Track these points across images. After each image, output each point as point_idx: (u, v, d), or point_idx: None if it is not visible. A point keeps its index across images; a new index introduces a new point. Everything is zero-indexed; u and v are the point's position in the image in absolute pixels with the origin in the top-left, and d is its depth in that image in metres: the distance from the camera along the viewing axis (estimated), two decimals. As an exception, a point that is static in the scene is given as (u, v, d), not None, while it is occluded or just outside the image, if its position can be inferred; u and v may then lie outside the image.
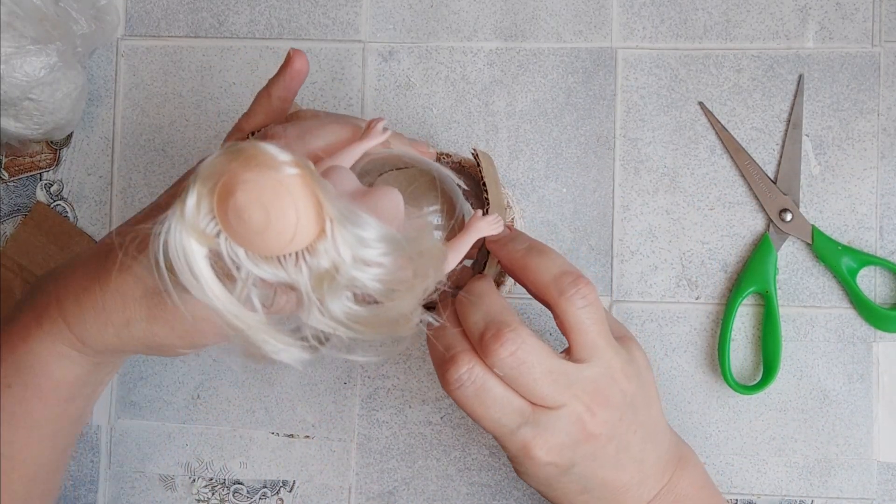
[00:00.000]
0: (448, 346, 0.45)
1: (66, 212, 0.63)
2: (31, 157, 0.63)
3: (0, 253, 0.62)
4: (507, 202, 0.57)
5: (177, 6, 0.63)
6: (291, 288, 0.35)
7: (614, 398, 0.46)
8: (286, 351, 0.36)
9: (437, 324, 0.42)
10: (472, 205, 0.50)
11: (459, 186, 0.49)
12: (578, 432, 0.45)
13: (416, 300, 0.38)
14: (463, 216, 0.47)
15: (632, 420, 0.47)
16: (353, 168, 0.43)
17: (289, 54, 0.49)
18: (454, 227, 0.45)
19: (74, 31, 0.58)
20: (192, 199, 0.33)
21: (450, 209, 0.45)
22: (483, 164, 0.48)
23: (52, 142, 0.63)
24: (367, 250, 0.34)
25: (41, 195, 0.63)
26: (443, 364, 0.45)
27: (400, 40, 0.62)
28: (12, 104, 0.56)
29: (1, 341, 0.46)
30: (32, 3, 0.55)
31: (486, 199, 0.48)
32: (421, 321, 0.39)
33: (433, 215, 0.43)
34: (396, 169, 0.46)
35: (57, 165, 0.63)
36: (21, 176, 0.63)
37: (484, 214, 0.45)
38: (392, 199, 0.41)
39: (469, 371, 0.44)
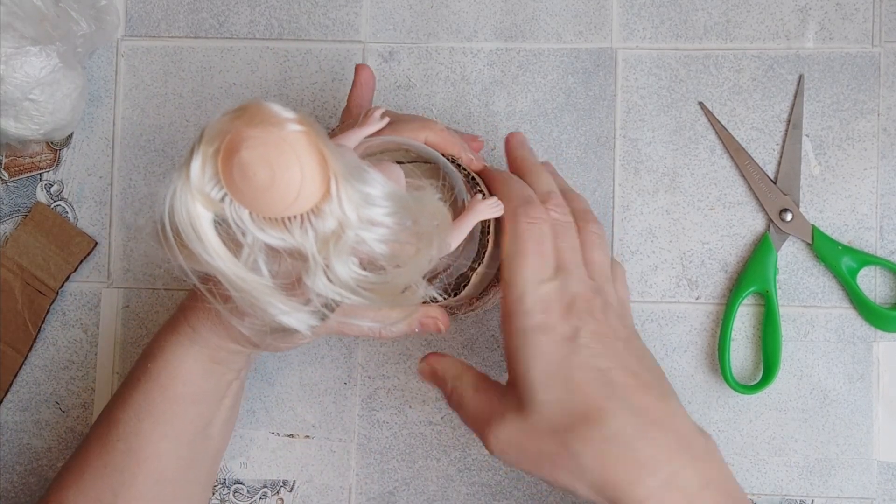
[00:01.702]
0: (513, 197, 0.47)
1: (66, 212, 0.63)
2: (31, 157, 0.63)
3: (0, 253, 0.62)
4: None
5: (177, 6, 0.63)
6: (298, 253, 0.34)
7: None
8: (293, 314, 0.36)
9: (441, 299, 0.43)
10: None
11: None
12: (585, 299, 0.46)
13: (422, 268, 0.37)
14: (463, 202, 0.47)
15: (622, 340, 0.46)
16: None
17: (356, 69, 0.54)
18: (455, 213, 0.45)
19: (74, 32, 0.58)
20: (196, 162, 0.33)
21: (449, 196, 0.45)
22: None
23: (52, 142, 0.63)
24: (373, 209, 0.34)
25: (41, 195, 0.63)
26: (522, 202, 0.46)
27: (400, 41, 0.62)
28: (12, 105, 0.56)
29: (148, 348, 0.51)
30: (32, 4, 0.55)
31: (480, 189, 0.48)
32: (426, 294, 0.39)
33: (435, 190, 0.42)
34: (396, 158, 0.46)
35: (57, 166, 0.63)
36: (21, 176, 0.63)
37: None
38: (393, 172, 0.41)
39: (543, 211, 0.46)
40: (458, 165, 0.49)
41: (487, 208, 0.45)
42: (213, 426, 0.52)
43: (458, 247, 0.44)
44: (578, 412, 0.42)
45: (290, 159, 0.32)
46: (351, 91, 0.54)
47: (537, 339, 0.43)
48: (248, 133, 0.32)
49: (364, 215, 0.34)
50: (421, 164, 0.48)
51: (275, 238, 0.34)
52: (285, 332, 0.37)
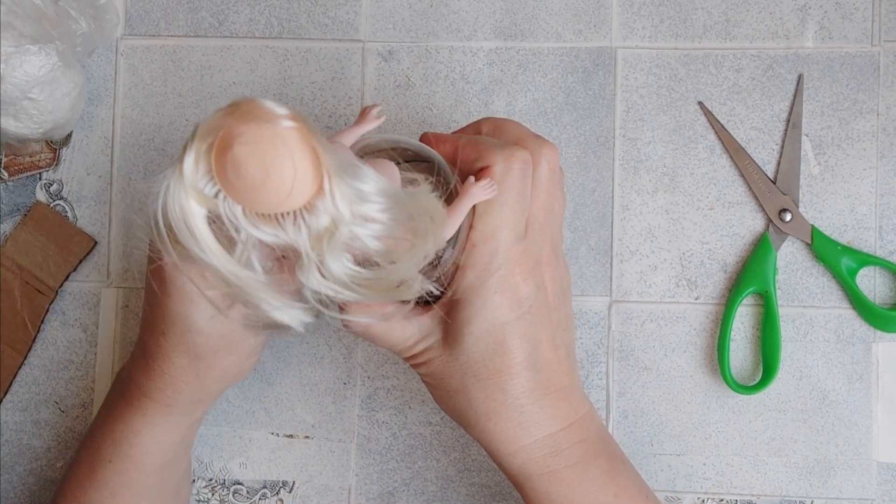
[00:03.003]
0: (494, 146, 0.46)
1: (66, 211, 0.63)
2: (30, 156, 0.63)
3: (0, 253, 0.62)
4: None
5: (176, 6, 0.63)
6: (292, 250, 0.34)
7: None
8: (286, 310, 0.36)
9: (437, 291, 0.43)
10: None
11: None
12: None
13: (417, 264, 0.37)
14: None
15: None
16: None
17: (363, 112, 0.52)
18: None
19: (74, 31, 0.58)
20: (190, 158, 0.33)
21: (444, 191, 0.44)
22: None
23: (51, 141, 0.63)
24: (367, 205, 0.34)
25: (41, 195, 0.63)
26: (506, 148, 0.45)
27: (400, 40, 0.62)
28: (12, 104, 0.56)
29: (100, 429, 0.52)
30: (32, 3, 0.55)
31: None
32: (422, 288, 0.39)
33: (429, 185, 0.42)
34: (392, 156, 0.46)
35: (56, 165, 0.63)
36: (21, 176, 0.63)
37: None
38: (387, 169, 0.40)
39: (528, 156, 0.46)
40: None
41: (481, 190, 0.44)
42: (184, 474, 0.56)
43: (453, 236, 0.44)
44: (492, 369, 0.45)
45: (283, 156, 0.32)
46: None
47: (492, 299, 0.44)
48: (241, 129, 0.32)
49: (357, 211, 0.34)
50: (418, 163, 0.47)
51: (268, 234, 0.34)
52: (278, 326, 0.37)
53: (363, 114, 0.45)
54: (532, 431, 0.46)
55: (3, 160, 0.63)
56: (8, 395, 0.62)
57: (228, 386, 0.53)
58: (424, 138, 0.48)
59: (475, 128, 0.49)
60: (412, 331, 0.46)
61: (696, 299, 0.60)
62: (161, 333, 0.48)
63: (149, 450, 0.51)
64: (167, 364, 0.49)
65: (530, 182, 0.45)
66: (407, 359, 0.48)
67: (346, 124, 0.62)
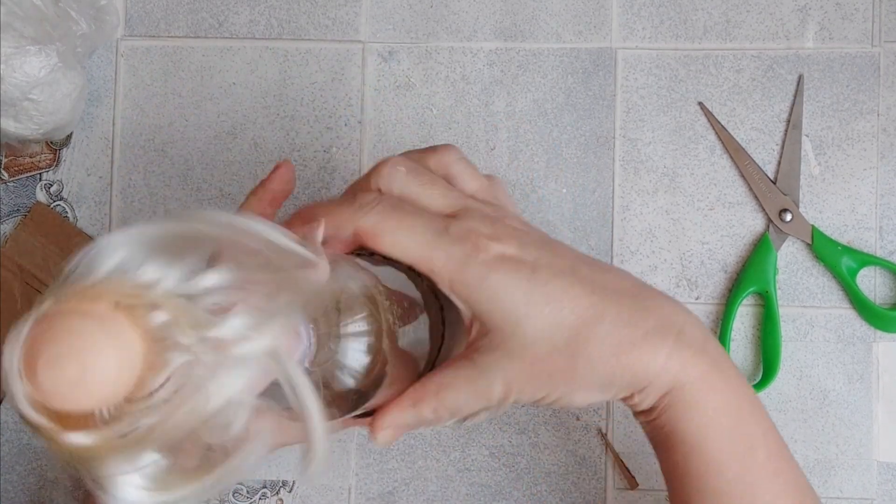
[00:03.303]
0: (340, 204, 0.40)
1: (66, 212, 0.63)
2: (30, 157, 0.63)
3: (0, 253, 0.62)
4: None
5: (177, 6, 0.63)
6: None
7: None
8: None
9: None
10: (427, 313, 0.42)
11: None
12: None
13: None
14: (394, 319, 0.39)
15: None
16: None
17: (276, 167, 0.45)
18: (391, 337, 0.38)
19: (74, 32, 0.58)
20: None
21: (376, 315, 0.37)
22: None
23: (51, 142, 0.63)
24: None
25: (41, 195, 0.63)
26: (352, 203, 0.39)
27: (400, 40, 0.62)
28: (12, 104, 0.56)
29: None
30: (32, 4, 0.55)
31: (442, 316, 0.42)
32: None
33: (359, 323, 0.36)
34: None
35: (57, 166, 0.63)
36: (21, 176, 0.63)
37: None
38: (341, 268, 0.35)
39: (377, 195, 0.40)
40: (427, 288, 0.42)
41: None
42: None
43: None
44: (568, 323, 0.39)
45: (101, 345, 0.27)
46: (257, 188, 0.45)
47: (495, 278, 0.39)
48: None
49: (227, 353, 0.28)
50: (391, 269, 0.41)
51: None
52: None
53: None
54: (662, 335, 0.40)
55: (4, 161, 0.63)
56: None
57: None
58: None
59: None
60: (471, 394, 0.40)
61: (697, 299, 0.60)
62: None
63: None
64: None
65: (388, 206, 0.40)
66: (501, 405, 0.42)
67: (346, 125, 0.62)
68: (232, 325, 0.27)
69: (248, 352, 0.27)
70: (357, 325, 0.35)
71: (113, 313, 0.27)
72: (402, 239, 0.39)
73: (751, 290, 0.59)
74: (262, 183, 0.44)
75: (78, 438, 0.26)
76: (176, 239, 0.28)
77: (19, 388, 0.27)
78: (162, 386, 0.26)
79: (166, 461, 0.28)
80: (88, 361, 0.26)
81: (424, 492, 0.61)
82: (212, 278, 0.28)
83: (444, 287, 0.39)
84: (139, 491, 0.28)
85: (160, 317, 0.27)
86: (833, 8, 0.60)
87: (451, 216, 0.40)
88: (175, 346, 0.27)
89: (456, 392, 0.40)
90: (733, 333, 0.59)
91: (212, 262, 0.29)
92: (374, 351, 0.36)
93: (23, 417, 0.27)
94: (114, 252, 0.28)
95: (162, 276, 0.27)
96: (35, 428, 0.27)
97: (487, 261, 0.39)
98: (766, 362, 0.59)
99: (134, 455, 0.27)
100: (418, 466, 0.61)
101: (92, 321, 0.27)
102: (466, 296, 0.39)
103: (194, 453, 0.28)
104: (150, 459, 0.27)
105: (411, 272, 0.40)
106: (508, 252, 0.39)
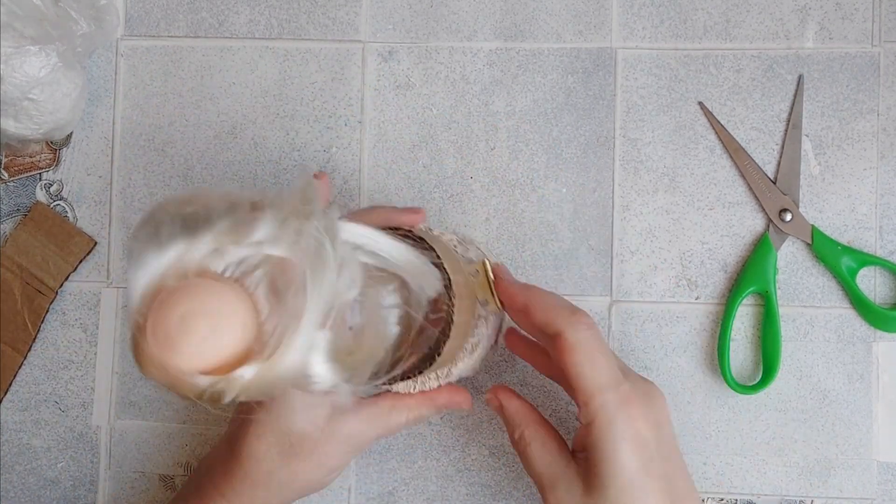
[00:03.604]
0: (560, 306, 0.48)
1: (66, 212, 0.63)
2: (30, 157, 0.63)
3: (0, 253, 0.62)
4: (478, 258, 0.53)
5: (177, 6, 0.63)
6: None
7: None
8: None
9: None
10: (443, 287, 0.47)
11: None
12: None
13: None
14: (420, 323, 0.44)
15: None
16: None
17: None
18: (406, 326, 0.43)
19: (74, 32, 0.58)
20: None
21: (405, 290, 0.42)
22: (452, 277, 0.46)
23: (51, 142, 0.63)
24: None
25: (41, 195, 0.63)
26: (570, 310, 0.47)
27: (400, 40, 0.62)
28: (12, 104, 0.56)
29: None
30: (32, 4, 0.55)
31: (451, 301, 0.46)
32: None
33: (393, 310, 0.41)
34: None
35: (57, 165, 0.63)
36: (21, 176, 0.63)
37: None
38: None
39: (591, 320, 0.47)
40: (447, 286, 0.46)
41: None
42: None
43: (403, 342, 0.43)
44: None
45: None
46: None
47: (621, 448, 0.45)
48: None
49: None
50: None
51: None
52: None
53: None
54: None
55: (4, 160, 0.63)
56: (8, 395, 0.62)
57: (306, 494, 0.52)
58: (499, 285, 0.49)
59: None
60: (554, 472, 0.48)
61: (697, 299, 0.60)
62: (256, 436, 0.48)
63: None
64: (256, 465, 0.48)
65: (600, 334, 0.47)
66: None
67: (346, 125, 0.62)
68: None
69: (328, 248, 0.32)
70: (390, 297, 0.40)
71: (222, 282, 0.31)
72: (598, 361, 0.46)
73: (751, 289, 0.59)
74: None
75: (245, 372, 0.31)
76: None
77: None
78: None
79: (329, 343, 0.32)
80: (217, 322, 0.30)
81: (424, 492, 0.61)
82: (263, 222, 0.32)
83: (600, 420, 0.45)
84: (324, 366, 0.32)
85: (258, 273, 0.31)
86: (833, 8, 0.60)
87: (622, 370, 0.47)
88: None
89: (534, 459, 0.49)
90: (733, 333, 0.59)
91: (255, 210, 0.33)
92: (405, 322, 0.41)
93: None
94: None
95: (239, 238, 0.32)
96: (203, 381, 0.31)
97: (630, 432, 0.45)
98: (766, 362, 0.59)
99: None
100: (418, 466, 0.61)
101: (215, 286, 0.31)
102: (598, 434, 0.45)
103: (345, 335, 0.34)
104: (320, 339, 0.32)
105: (441, 269, 0.44)
106: (650, 440, 0.46)
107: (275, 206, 0.32)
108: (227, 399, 0.31)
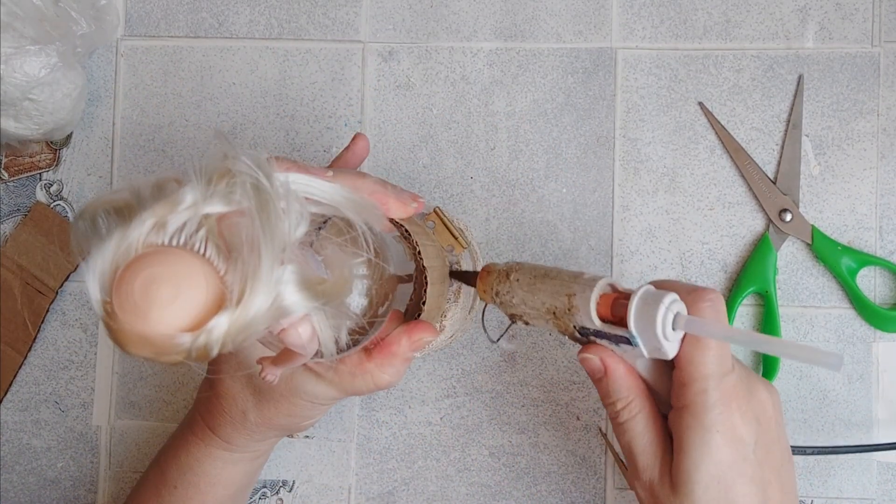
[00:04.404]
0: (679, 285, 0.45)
1: (66, 212, 0.63)
2: (30, 157, 0.63)
3: (0, 253, 0.62)
4: (463, 241, 0.55)
5: (177, 6, 0.63)
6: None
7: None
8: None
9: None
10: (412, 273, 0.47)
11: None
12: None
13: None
14: (390, 274, 0.45)
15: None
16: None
17: (355, 137, 0.53)
18: (383, 286, 0.44)
19: (74, 32, 0.58)
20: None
21: (377, 269, 0.43)
22: (421, 247, 0.46)
23: (51, 142, 0.63)
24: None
25: (41, 195, 0.63)
26: (692, 289, 0.44)
27: (400, 40, 0.62)
28: (12, 104, 0.56)
29: (168, 454, 0.54)
30: (32, 4, 0.55)
31: (425, 293, 0.46)
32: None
33: (358, 266, 0.41)
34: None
35: (57, 165, 0.63)
36: (21, 176, 0.63)
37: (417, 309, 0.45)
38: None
39: (716, 294, 0.45)
40: (410, 242, 0.46)
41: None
42: (244, 498, 0.57)
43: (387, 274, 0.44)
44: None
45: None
46: (342, 153, 0.54)
47: (714, 438, 0.42)
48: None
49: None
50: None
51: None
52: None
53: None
54: None
55: (4, 161, 0.63)
56: (8, 395, 0.62)
57: (286, 434, 0.54)
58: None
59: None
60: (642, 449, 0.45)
61: (697, 299, 0.60)
62: (231, 376, 0.50)
63: (212, 480, 0.53)
64: (232, 403, 0.50)
65: (724, 315, 0.44)
66: (632, 486, 0.46)
67: (346, 125, 0.62)
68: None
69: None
70: (355, 269, 0.40)
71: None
72: (712, 343, 0.42)
73: (751, 290, 0.59)
74: (339, 156, 0.53)
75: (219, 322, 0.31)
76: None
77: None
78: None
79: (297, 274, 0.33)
80: (182, 286, 0.31)
81: (424, 492, 0.61)
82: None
83: (706, 397, 0.42)
84: (297, 295, 0.33)
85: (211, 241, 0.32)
86: (833, 8, 0.60)
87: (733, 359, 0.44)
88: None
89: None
90: (733, 333, 0.59)
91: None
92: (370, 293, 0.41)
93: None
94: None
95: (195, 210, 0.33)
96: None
97: (726, 425, 0.42)
98: (766, 362, 0.59)
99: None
100: (418, 466, 0.61)
101: (167, 252, 0.32)
102: (689, 421, 0.43)
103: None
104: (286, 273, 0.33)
105: (405, 239, 0.45)
106: (746, 438, 0.43)
107: (198, 171, 0.33)
108: (214, 352, 0.32)
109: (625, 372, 0.44)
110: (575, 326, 0.43)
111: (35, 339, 0.62)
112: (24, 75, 0.55)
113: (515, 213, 0.61)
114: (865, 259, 0.59)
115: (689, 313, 0.42)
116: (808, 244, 0.59)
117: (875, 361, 0.59)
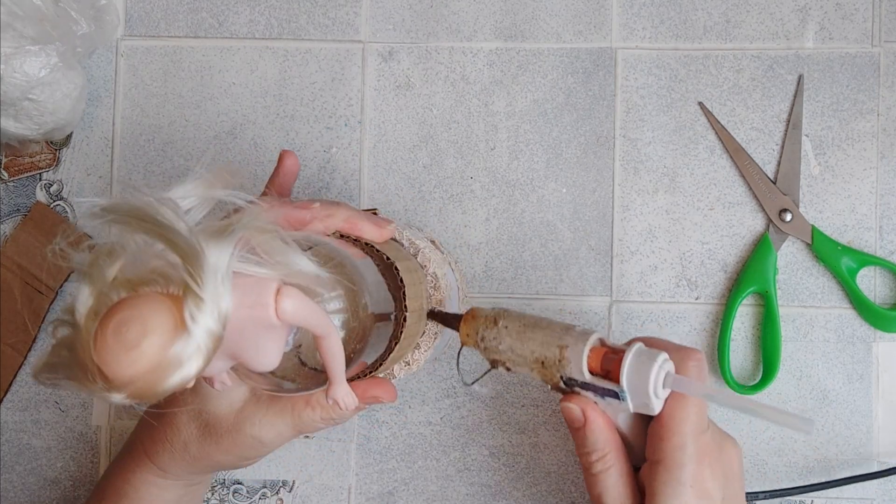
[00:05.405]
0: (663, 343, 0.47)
1: (66, 212, 0.63)
2: (30, 157, 0.63)
3: (0, 253, 0.62)
4: (435, 268, 0.53)
5: (177, 6, 0.63)
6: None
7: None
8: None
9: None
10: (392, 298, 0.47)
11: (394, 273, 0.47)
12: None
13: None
14: (366, 305, 0.44)
15: None
16: None
17: (281, 155, 0.53)
18: (355, 318, 0.43)
19: (74, 32, 0.58)
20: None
21: (351, 297, 0.42)
22: (403, 272, 0.46)
23: (51, 142, 0.63)
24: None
25: (41, 195, 0.63)
26: (678, 348, 0.46)
27: (400, 40, 0.62)
28: (12, 104, 0.56)
29: (109, 479, 0.54)
30: (32, 3, 0.55)
31: (404, 308, 0.46)
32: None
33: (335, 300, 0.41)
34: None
35: (56, 166, 0.63)
36: (21, 176, 0.63)
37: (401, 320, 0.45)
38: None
39: (701, 355, 0.47)
40: (392, 270, 0.46)
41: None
42: None
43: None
44: None
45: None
46: (272, 177, 0.53)
47: (686, 492, 0.43)
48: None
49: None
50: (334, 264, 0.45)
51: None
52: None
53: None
54: None
55: (4, 161, 0.63)
56: (8, 395, 0.62)
57: (224, 469, 0.54)
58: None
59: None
60: None
61: (697, 299, 0.60)
62: (179, 407, 0.49)
63: None
64: (175, 433, 0.49)
65: (707, 375, 0.46)
66: None
67: (346, 125, 0.62)
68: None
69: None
70: (334, 303, 0.40)
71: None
72: (695, 401, 0.44)
73: (751, 290, 0.59)
74: (270, 178, 0.52)
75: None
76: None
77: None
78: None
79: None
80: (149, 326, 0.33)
81: (424, 492, 0.61)
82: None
83: (681, 431, 0.44)
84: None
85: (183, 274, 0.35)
86: (833, 8, 0.60)
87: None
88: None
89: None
90: (733, 333, 0.59)
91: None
92: (348, 327, 0.41)
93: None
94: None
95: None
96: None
97: (697, 480, 0.44)
98: (766, 362, 0.59)
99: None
100: (418, 466, 0.61)
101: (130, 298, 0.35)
102: (664, 476, 0.44)
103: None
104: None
105: (388, 270, 0.45)
106: (714, 494, 0.44)
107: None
108: (191, 383, 0.33)
109: (603, 424, 0.45)
110: (562, 377, 0.44)
111: (35, 339, 0.62)
112: (24, 75, 0.55)
113: (515, 213, 0.61)
114: (865, 259, 0.59)
115: (676, 372, 0.43)
116: (808, 244, 0.59)
117: (875, 361, 0.59)
